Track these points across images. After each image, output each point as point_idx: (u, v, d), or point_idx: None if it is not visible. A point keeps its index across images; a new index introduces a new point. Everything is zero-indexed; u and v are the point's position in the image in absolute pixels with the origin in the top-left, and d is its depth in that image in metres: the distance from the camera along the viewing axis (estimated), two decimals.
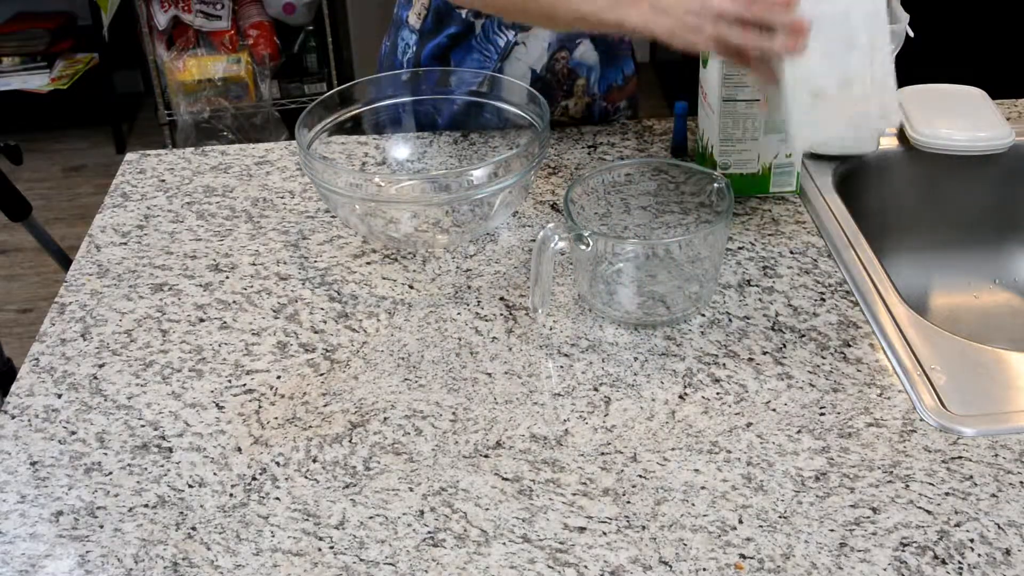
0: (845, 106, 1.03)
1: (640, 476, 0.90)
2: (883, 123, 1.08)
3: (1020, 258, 1.41)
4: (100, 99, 3.37)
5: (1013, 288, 1.40)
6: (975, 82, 1.42)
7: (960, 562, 0.82)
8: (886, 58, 1.02)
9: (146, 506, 0.90)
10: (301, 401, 1.00)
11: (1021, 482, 0.89)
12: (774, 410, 0.97)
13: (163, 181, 1.37)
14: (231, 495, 0.90)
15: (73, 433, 0.98)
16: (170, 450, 0.95)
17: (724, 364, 1.02)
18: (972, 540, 0.84)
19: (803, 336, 1.06)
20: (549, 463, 0.92)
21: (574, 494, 0.89)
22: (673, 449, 0.93)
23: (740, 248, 1.19)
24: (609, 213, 1.16)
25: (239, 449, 0.95)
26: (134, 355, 1.07)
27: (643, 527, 0.86)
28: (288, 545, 0.86)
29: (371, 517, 0.88)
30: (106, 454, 0.95)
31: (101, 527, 0.88)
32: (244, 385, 1.02)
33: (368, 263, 1.19)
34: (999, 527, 0.85)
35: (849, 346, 1.04)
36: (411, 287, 1.15)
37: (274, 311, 1.12)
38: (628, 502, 0.88)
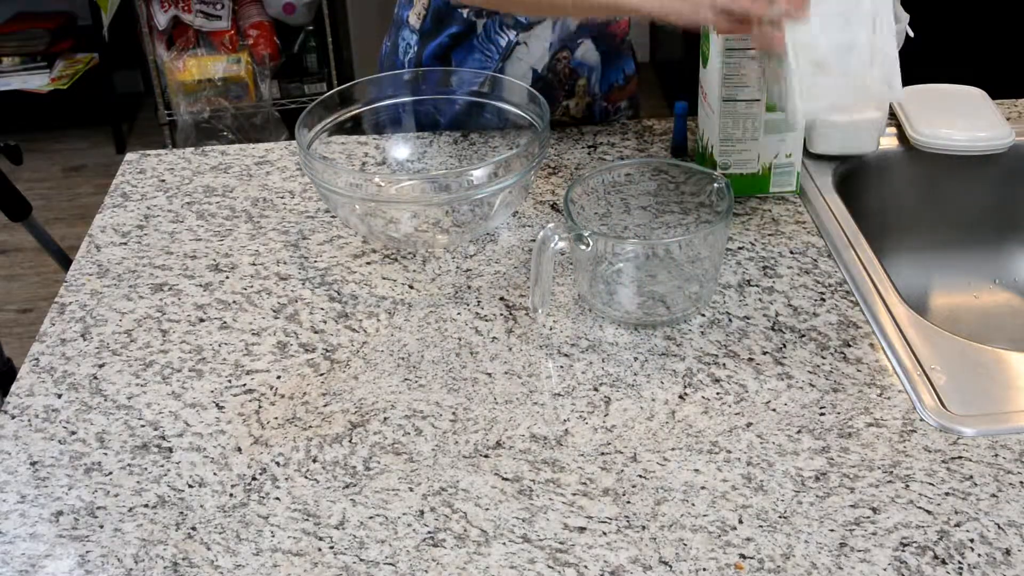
0: (847, 75, 1.01)
1: (640, 476, 0.90)
2: (888, 93, 1.06)
3: (1020, 258, 1.41)
4: (100, 99, 3.37)
5: (1013, 288, 1.40)
6: (975, 82, 1.42)
7: (960, 562, 0.82)
8: (888, 27, 1.01)
9: (146, 506, 0.90)
10: (301, 401, 1.00)
11: (1021, 482, 0.89)
12: (774, 410, 0.97)
13: (163, 181, 1.37)
14: (231, 495, 0.90)
15: (73, 433, 0.98)
16: (170, 450, 0.95)
17: (724, 364, 1.02)
18: (972, 540, 0.84)
19: (803, 336, 1.06)
20: (549, 463, 0.92)
21: (574, 494, 0.89)
22: (673, 449, 0.93)
23: (740, 248, 1.19)
24: (609, 213, 1.16)
25: (239, 449, 0.95)
26: (134, 355, 1.07)
27: (643, 527, 0.86)
28: (288, 545, 0.85)
29: (371, 517, 0.88)
30: (106, 454, 0.95)
31: (101, 527, 0.88)
32: (244, 385, 1.02)
33: (368, 263, 1.19)
34: (999, 527, 0.85)
35: (849, 346, 1.04)
36: (411, 287, 1.15)
37: (274, 311, 1.12)
38: (628, 502, 0.88)
